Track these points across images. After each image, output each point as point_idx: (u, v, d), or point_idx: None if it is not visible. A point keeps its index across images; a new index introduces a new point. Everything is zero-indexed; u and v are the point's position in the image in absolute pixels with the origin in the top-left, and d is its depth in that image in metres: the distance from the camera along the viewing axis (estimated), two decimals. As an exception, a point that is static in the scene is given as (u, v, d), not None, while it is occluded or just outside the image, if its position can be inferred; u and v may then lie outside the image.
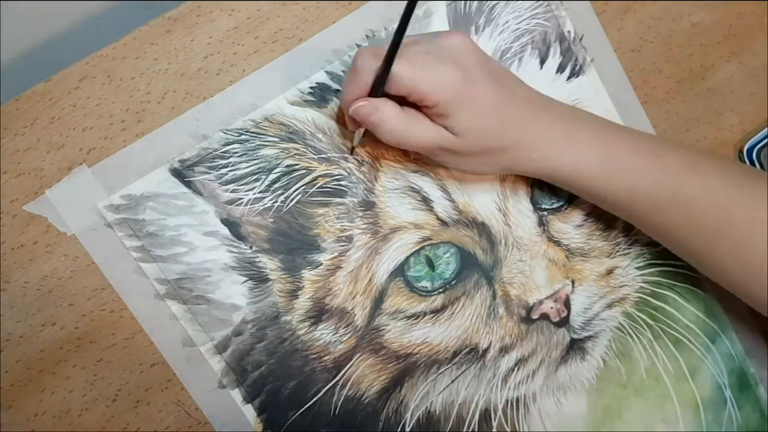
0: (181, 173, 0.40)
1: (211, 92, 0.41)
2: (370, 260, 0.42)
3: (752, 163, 0.48)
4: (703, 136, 0.48)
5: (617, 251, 0.46)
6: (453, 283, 0.43)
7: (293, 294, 0.41)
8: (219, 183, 0.40)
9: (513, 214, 0.44)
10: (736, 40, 0.49)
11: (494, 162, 0.38)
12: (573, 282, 0.44)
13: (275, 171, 0.41)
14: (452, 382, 0.44)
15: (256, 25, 0.41)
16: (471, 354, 0.44)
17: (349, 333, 0.42)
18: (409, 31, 0.42)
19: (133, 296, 0.40)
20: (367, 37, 0.42)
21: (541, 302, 0.44)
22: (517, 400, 0.45)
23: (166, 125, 0.40)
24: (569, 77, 0.45)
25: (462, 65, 0.35)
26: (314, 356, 0.42)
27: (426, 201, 0.42)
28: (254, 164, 0.41)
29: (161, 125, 0.40)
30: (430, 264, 0.43)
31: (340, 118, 0.41)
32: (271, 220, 0.41)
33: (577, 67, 0.45)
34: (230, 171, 0.41)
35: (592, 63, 0.46)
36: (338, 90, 0.42)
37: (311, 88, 0.42)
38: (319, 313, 0.42)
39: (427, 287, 0.43)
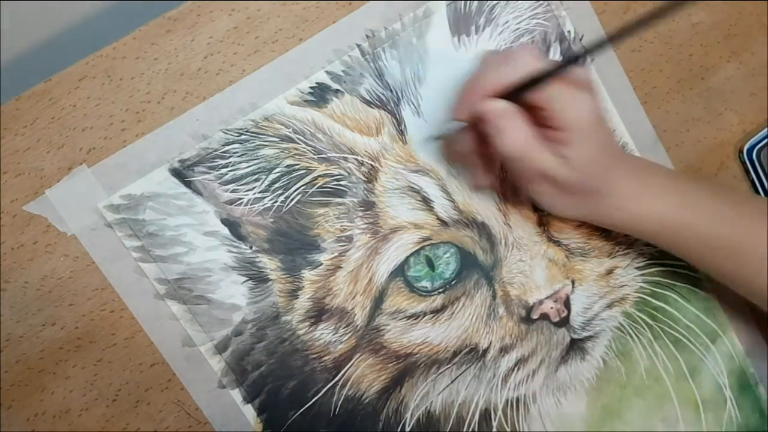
0: (181, 173, 0.40)
1: (211, 92, 0.41)
2: (370, 260, 0.42)
3: (752, 163, 0.48)
4: (703, 136, 0.48)
5: (617, 251, 0.46)
6: (453, 283, 0.43)
7: (293, 294, 0.41)
8: (219, 183, 0.40)
9: (513, 214, 0.44)
10: (736, 40, 0.49)
11: (584, 204, 0.38)
12: (573, 282, 0.44)
13: (275, 171, 0.41)
14: (452, 382, 0.44)
15: (256, 25, 0.41)
16: (471, 354, 0.44)
17: (349, 333, 0.42)
18: (409, 30, 0.42)
19: (133, 296, 0.40)
20: (367, 37, 0.42)
21: (541, 302, 0.44)
22: (517, 400, 0.45)
23: (166, 125, 0.40)
24: (569, 77, 0.45)
25: (595, 98, 0.35)
26: (314, 356, 0.42)
27: (426, 201, 0.42)
28: (254, 164, 0.41)
29: (161, 125, 0.40)
30: (430, 264, 0.43)
31: (466, 103, 0.37)
32: (271, 220, 0.41)
33: (577, 67, 0.45)
34: (230, 171, 0.41)
35: (592, 63, 0.46)
36: (338, 90, 0.42)
37: (311, 88, 0.42)
38: (319, 313, 0.42)
39: (427, 287, 0.43)
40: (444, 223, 0.43)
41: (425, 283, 0.43)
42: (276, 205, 0.41)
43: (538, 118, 0.36)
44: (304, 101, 0.41)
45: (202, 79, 0.41)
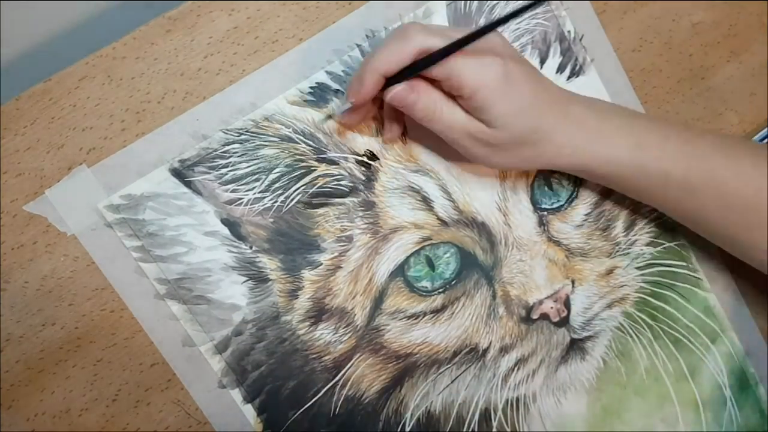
0: (181, 173, 0.40)
1: (211, 92, 0.41)
2: (370, 260, 0.42)
3: (752, 163, 0.48)
4: (703, 136, 0.48)
5: (617, 251, 0.46)
6: (453, 283, 0.43)
7: (293, 294, 0.41)
8: (219, 183, 0.40)
9: (513, 214, 0.44)
10: (736, 40, 0.49)
11: (524, 156, 0.38)
12: (573, 282, 0.44)
13: (275, 171, 0.41)
14: (452, 382, 0.44)
15: (256, 25, 0.41)
16: (471, 354, 0.44)
17: (349, 333, 0.42)
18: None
19: (133, 296, 0.40)
20: (367, 37, 0.42)
21: (541, 302, 0.44)
22: (517, 400, 0.45)
23: (166, 125, 0.40)
24: (569, 77, 0.45)
25: (504, 61, 0.35)
26: (314, 356, 0.42)
27: (426, 201, 0.42)
28: (254, 164, 0.41)
29: (161, 125, 0.40)
30: (430, 264, 0.43)
31: (360, 84, 0.36)
32: (271, 220, 0.41)
33: (577, 67, 0.45)
34: (230, 171, 0.41)
35: (592, 63, 0.46)
36: (338, 90, 0.42)
37: (311, 88, 0.42)
38: (319, 313, 0.42)
39: (427, 287, 0.43)
40: (444, 223, 0.43)
41: (425, 283, 0.43)
42: (276, 205, 0.41)
43: (446, 90, 0.36)
44: (304, 101, 0.41)
45: (202, 79, 0.41)
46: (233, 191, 0.41)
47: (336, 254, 0.42)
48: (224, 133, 0.41)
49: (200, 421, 0.41)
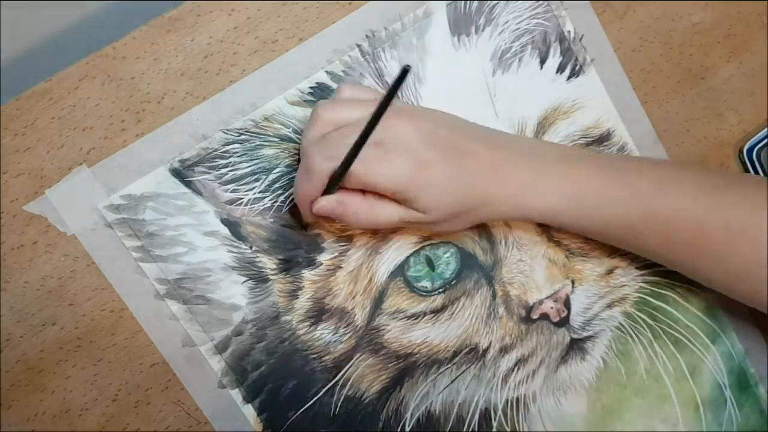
0: (181, 173, 0.40)
1: (211, 92, 0.41)
2: (370, 260, 0.42)
3: (752, 163, 0.48)
4: (703, 136, 0.48)
5: (617, 251, 0.46)
6: (453, 283, 0.43)
7: (293, 294, 0.41)
8: (219, 183, 0.40)
9: (513, 214, 0.44)
10: (736, 40, 0.49)
11: (467, 220, 0.38)
12: (573, 282, 0.44)
13: (275, 171, 0.41)
14: (452, 382, 0.44)
15: (256, 25, 0.41)
16: (471, 354, 0.44)
17: (349, 333, 0.42)
18: (409, 30, 0.42)
19: (133, 296, 0.40)
20: (367, 37, 0.42)
21: (541, 302, 0.44)
22: (517, 400, 0.45)
23: (166, 125, 0.40)
24: (569, 77, 0.45)
25: (411, 152, 0.35)
26: (314, 356, 0.42)
27: (426, 201, 0.42)
28: (254, 164, 0.41)
29: (161, 125, 0.40)
30: (430, 264, 0.43)
31: (304, 214, 0.39)
32: (271, 220, 0.41)
33: (577, 67, 0.45)
34: (230, 171, 0.41)
35: (592, 63, 0.46)
36: (338, 90, 0.42)
37: (311, 88, 0.42)
38: (319, 313, 0.42)
39: (427, 287, 0.43)
40: (444, 223, 0.43)
41: (425, 283, 0.43)
42: (276, 205, 0.41)
43: (375, 193, 0.36)
44: (304, 101, 0.41)
45: (202, 79, 0.41)
46: (233, 191, 0.41)
47: (336, 254, 0.42)
48: (224, 133, 0.41)
49: (200, 421, 0.41)
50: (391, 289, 0.42)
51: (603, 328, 0.46)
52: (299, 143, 0.41)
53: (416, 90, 0.43)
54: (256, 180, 0.41)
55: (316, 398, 0.42)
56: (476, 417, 0.44)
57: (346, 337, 0.42)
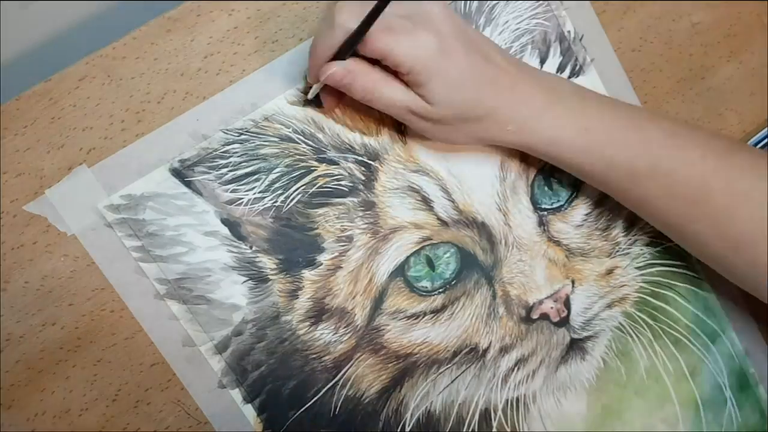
0: (181, 173, 0.40)
1: (211, 92, 0.41)
2: (370, 260, 0.42)
3: (752, 163, 0.48)
4: (703, 136, 0.48)
5: (617, 251, 0.46)
6: (453, 283, 0.43)
7: (293, 294, 0.41)
8: (219, 183, 0.40)
9: (513, 214, 0.44)
10: (736, 40, 0.49)
11: (468, 132, 0.37)
12: (573, 282, 0.44)
13: (275, 171, 0.41)
14: (452, 382, 0.44)
15: (256, 25, 0.41)
16: (471, 354, 0.44)
17: (349, 333, 0.42)
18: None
19: (133, 296, 0.40)
20: (367, 37, 0.42)
21: (541, 302, 0.44)
22: (517, 400, 0.45)
23: (166, 125, 0.40)
24: (569, 77, 0.45)
25: (439, 33, 0.35)
26: (314, 356, 0.42)
27: (426, 201, 0.42)
28: (254, 164, 0.41)
29: (161, 125, 0.40)
30: (430, 264, 0.43)
31: (312, 72, 0.38)
32: (271, 220, 0.41)
33: (577, 67, 0.45)
34: (230, 171, 0.41)
35: (592, 63, 0.46)
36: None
37: (311, 88, 0.42)
38: (319, 313, 0.42)
39: (427, 287, 0.43)
40: (444, 223, 0.43)
41: (425, 283, 0.43)
42: (276, 205, 0.41)
43: (386, 68, 0.36)
44: (304, 101, 0.41)
45: (202, 79, 0.41)
46: (233, 191, 0.41)
47: (336, 254, 0.42)
48: (224, 133, 0.41)
49: (200, 421, 0.41)
50: (391, 289, 0.42)
51: (603, 328, 0.46)
52: (299, 143, 0.41)
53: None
54: (256, 180, 0.41)
55: (316, 398, 0.42)
56: (476, 417, 0.44)
57: (346, 337, 0.42)
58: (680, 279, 0.47)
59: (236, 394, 0.41)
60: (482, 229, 0.43)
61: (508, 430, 0.45)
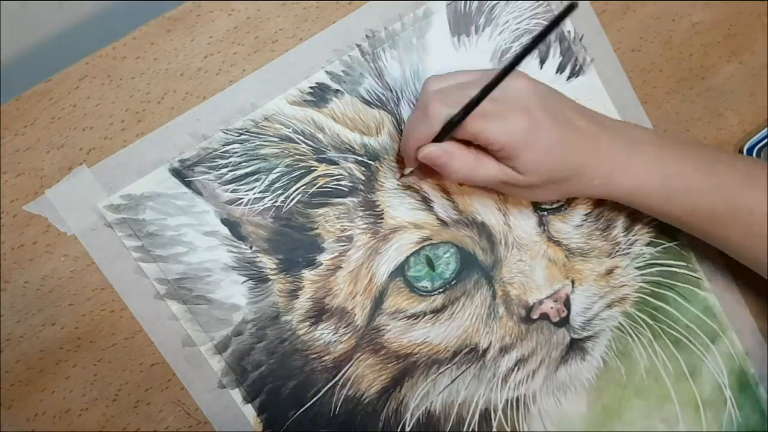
0: (181, 173, 0.40)
1: (211, 92, 0.41)
2: (370, 260, 0.42)
3: (752, 163, 0.48)
4: (703, 136, 0.48)
5: (617, 251, 0.46)
6: (453, 283, 0.43)
7: (293, 294, 0.41)
8: (219, 183, 0.40)
9: (513, 214, 0.44)
10: (736, 40, 0.49)
11: (558, 190, 0.39)
12: (573, 282, 0.44)
13: (275, 171, 0.41)
14: (452, 382, 0.44)
15: (256, 25, 0.41)
16: (471, 354, 0.44)
17: (349, 333, 0.42)
18: (409, 30, 0.42)
19: (133, 296, 0.40)
20: (367, 37, 0.42)
21: (541, 302, 0.44)
22: (517, 400, 0.45)
23: (166, 125, 0.40)
24: (569, 77, 0.45)
25: (526, 110, 0.36)
26: (314, 356, 0.42)
27: (426, 201, 0.42)
28: (254, 164, 0.41)
29: (161, 125, 0.40)
30: (430, 264, 0.43)
31: (399, 157, 0.42)
32: (271, 220, 0.41)
33: (577, 67, 0.45)
34: (230, 171, 0.41)
35: (592, 63, 0.46)
36: (338, 90, 0.42)
37: (311, 88, 0.42)
38: (319, 313, 0.42)
39: (427, 287, 0.43)
40: (444, 223, 0.43)
41: (425, 283, 0.43)
42: (276, 205, 0.41)
43: (479, 147, 0.37)
44: (304, 101, 0.41)
45: (202, 79, 0.41)
46: (233, 191, 0.41)
47: (336, 254, 0.42)
48: (224, 133, 0.41)
49: (200, 421, 0.41)
50: (391, 289, 0.42)
51: (603, 328, 0.46)
52: (299, 143, 0.41)
53: (416, 90, 0.43)
54: (256, 180, 0.41)
55: (316, 398, 0.42)
56: (476, 417, 0.44)
57: (346, 337, 0.42)
58: (680, 279, 0.47)
59: (236, 394, 0.41)
60: (482, 229, 0.43)
61: (508, 430, 0.45)
